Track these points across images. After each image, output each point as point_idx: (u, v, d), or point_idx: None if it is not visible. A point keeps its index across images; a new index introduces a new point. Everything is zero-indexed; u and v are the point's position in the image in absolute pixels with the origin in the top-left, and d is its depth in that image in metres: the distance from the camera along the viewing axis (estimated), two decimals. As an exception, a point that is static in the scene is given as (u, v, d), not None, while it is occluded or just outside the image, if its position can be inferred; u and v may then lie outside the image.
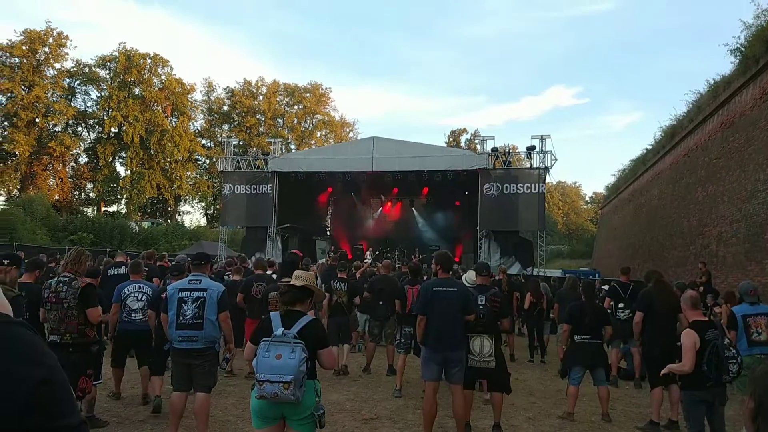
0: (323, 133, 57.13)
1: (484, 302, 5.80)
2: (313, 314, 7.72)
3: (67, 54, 42.64)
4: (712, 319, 7.14)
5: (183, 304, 5.05)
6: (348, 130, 59.00)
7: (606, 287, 10.48)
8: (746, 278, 12.14)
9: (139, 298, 6.35)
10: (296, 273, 3.85)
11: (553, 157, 20.14)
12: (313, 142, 54.72)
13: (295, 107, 55.98)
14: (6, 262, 4.55)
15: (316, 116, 56.49)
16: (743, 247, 14.81)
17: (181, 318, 5.02)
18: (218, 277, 9.57)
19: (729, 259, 15.73)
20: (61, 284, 4.99)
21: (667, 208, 23.34)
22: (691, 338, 4.82)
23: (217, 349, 5.27)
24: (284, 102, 55.94)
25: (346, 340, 9.07)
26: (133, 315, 6.26)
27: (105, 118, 44.46)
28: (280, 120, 55.56)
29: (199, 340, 5.02)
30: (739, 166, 15.90)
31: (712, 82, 19.60)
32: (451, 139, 64.46)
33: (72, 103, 44.07)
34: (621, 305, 8.47)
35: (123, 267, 8.16)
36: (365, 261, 18.65)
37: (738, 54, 16.85)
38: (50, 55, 41.33)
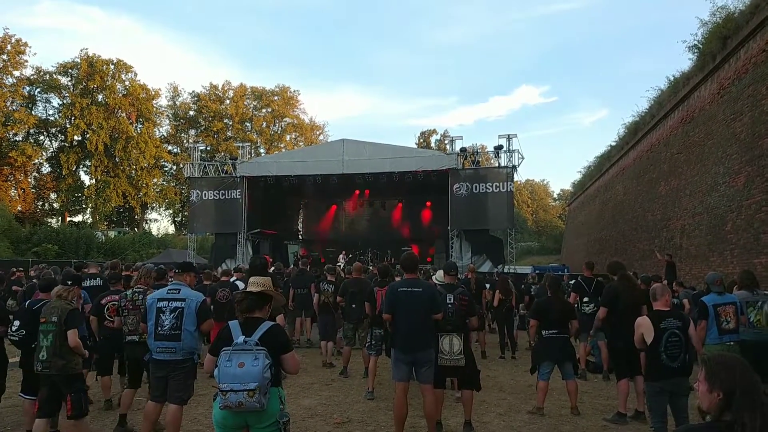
0: (293, 137, 56.78)
1: (452, 301, 5.82)
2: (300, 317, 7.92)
3: (26, 61, 41.52)
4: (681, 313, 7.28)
5: (161, 315, 4.96)
6: (318, 132, 58.79)
7: (572, 282, 10.66)
8: (709, 269, 12.49)
9: None
10: (252, 279, 3.79)
11: (520, 156, 20.40)
12: (282, 145, 54.32)
13: (263, 111, 55.53)
14: (69, 282, 5.49)
15: (285, 119, 56.13)
16: (705, 239, 15.20)
17: (159, 329, 4.94)
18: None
19: (692, 251, 16.13)
20: (137, 294, 6.10)
21: (632, 202, 23.83)
22: (641, 326, 5.00)
23: (196, 360, 5.15)
24: (252, 106, 55.44)
25: (331, 337, 9.72)
26: None
27: (68, 126, 43.46)
28: (248, 124, 55.04)
29: (177, 351, 4.94)
30: (700, 160, 16.32)
31: (672, 78, 20.11)
32: (421, 140, 64.83)
33: (33, 112, 42.91)
34: (586, 299, 8.62)
35: (97, 278, 8.40)
36: (338, 264, 18.60)
37: (696, 51, 17.30)
38: (8, 63, 40.11)
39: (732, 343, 6.11)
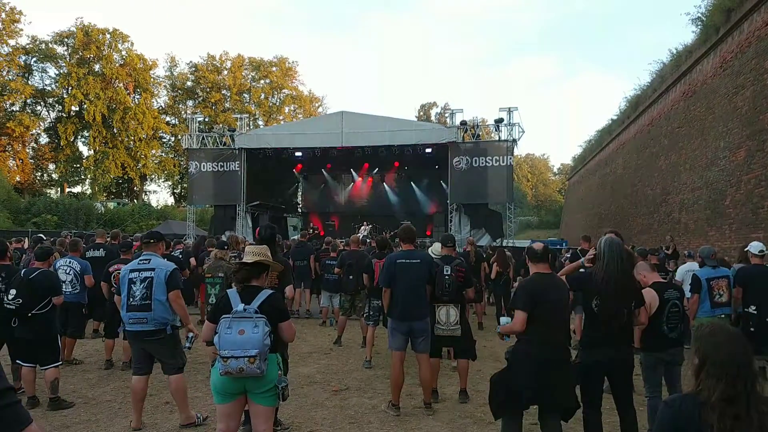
0: (291, 108, 56.33)
1: (449, 272, 5.84)
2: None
3: (21, 30, 40.94)
4: (674, 281, 7.32)
5: (132, 285, 4.93)
6: (317, 105, 58.33)
7: (568, 255, 10.73)
8: (707, 243, 12.53)
9: (67, 272, 7.02)
10: (248, 248, 3.83)
11: (520, 130, 20.27)
12: (281, 117, 53.96)
13: (262, 82, 54.98)
14: (225, 247, 7.21)
15: (283, 91, 55.60)
16: (704, 213, 15.23)
17: (131, 300, 4.91)
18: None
19: (691, 226, 16.18)
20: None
21: (632, 177, 23.80)
22: (648, 295, 4.98)
23: (169, 331, 5.03)
24: (250, 77, 54.87)
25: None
26: (63, 287, 6.46)
27: (65, 96, 43.08)
28: (246, 95, 54.56)
29: (149, 321, 4.89)
30: (701, 135, 16.26)
31: (675, 51, 19.89)
32: (421, 113, 64.45)
33: (29, 82, 42.49)
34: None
35: (101, 249, 8.46)
36: (359, 233, 18.53)
37: (699, 23, 17.09)
38: (3, 32, 39.58)
39: (723, 315, 6.18)
